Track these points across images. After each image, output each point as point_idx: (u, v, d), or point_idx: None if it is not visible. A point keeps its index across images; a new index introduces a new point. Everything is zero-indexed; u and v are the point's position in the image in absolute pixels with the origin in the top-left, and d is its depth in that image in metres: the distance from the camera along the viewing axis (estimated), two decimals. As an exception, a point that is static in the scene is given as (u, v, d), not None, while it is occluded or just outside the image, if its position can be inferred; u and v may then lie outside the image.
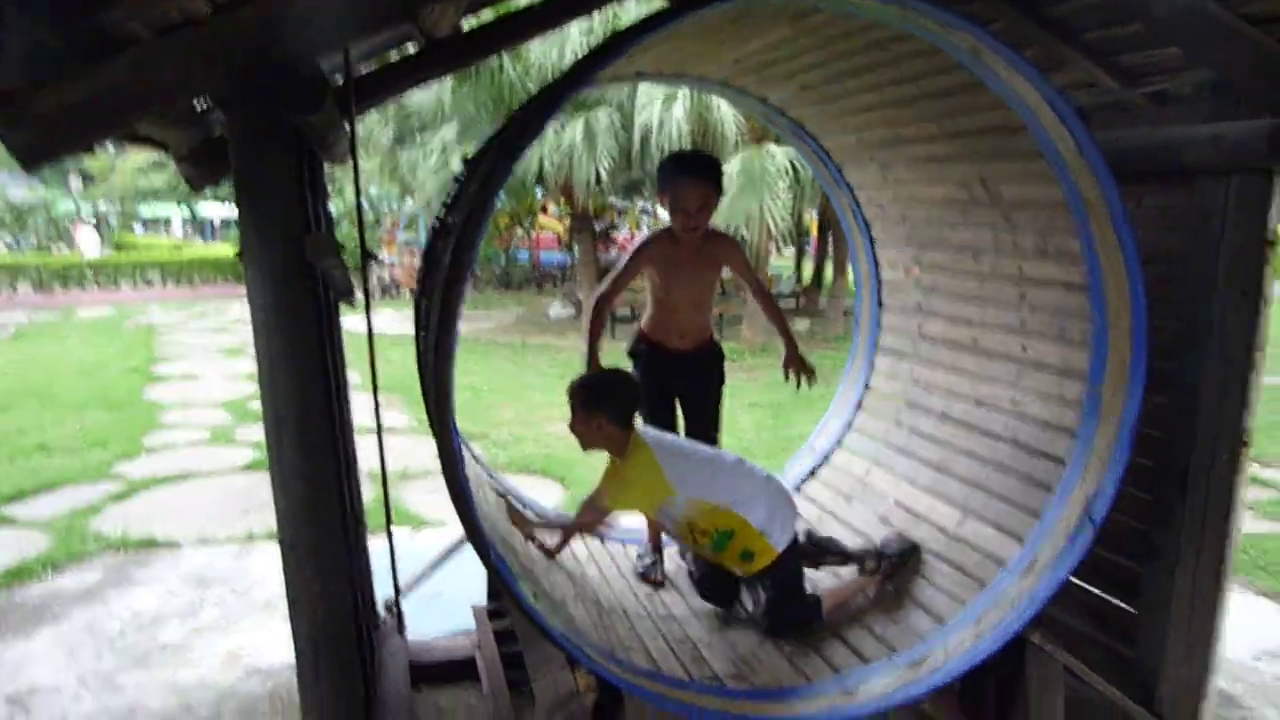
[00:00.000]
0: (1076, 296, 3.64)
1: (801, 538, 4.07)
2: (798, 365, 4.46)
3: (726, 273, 4.82)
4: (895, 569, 4.08)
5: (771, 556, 3.81)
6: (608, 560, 4.57)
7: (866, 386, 5.20)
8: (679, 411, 4.54)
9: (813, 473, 5.15)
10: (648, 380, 4.40)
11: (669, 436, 4.04)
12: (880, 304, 5.16)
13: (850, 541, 4.38)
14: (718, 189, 4.19)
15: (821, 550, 4.25)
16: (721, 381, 4.65)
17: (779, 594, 3.89)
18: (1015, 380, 4.08)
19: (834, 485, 4.97)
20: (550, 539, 4.11)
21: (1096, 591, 4.05)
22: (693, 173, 4.16)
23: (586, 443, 3.80)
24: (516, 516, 4.08)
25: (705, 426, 4.50)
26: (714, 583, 4.11)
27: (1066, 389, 3.76)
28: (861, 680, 3.50)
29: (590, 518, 3.90)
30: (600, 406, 3.71)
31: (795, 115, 4.78)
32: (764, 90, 4.62)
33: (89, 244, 32.34)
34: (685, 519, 3.80)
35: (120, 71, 2.35)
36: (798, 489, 5.07)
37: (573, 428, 3.78)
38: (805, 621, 3.91)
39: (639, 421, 3.91)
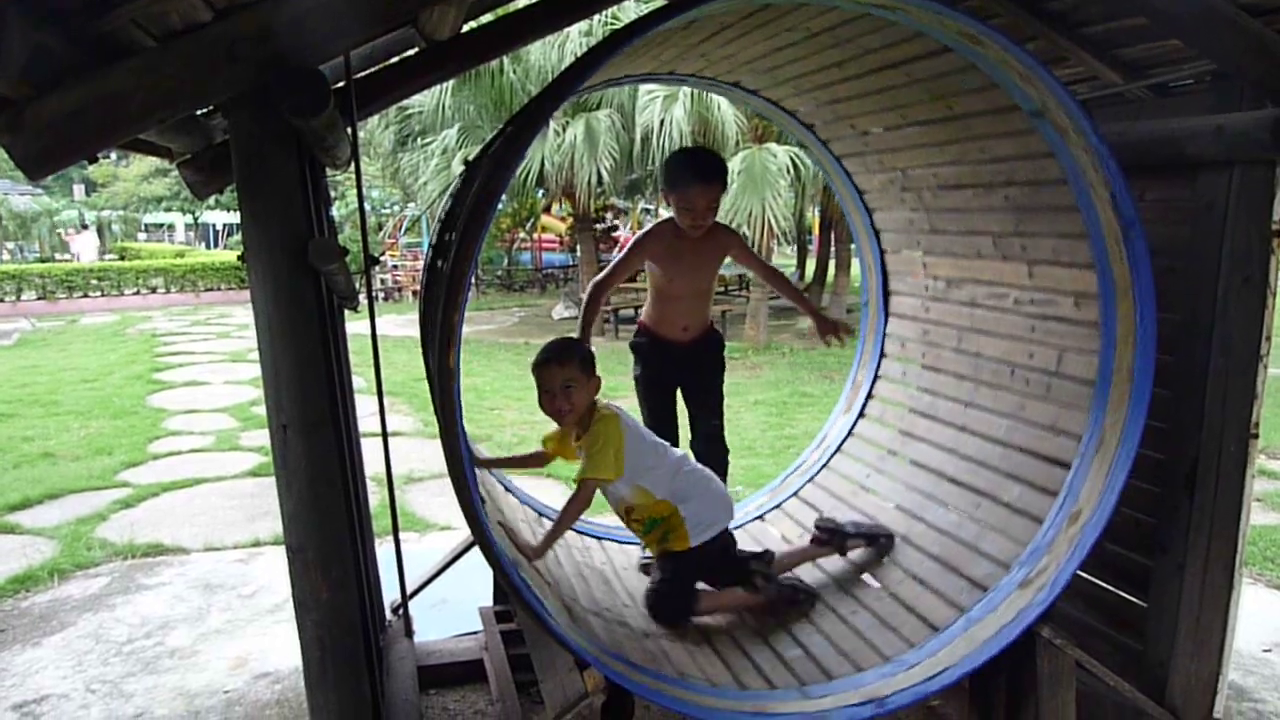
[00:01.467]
0: (1087, 305, 3.64)
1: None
2: (831, 329, 4.60)
3: (727, 269, 4.87)
4: (846, 545, 4.25)
5: (683, 546, 3.90)
6: (612, 560, 4.56)
7: (870, 390, 5.19)
8: (679, 403, 4.58)
9: (817, 473, 5.14)
10: (650, 373, 4.47)
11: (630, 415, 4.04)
12: (886, 310, 5.15)
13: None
14: (725, 188, 4.27)
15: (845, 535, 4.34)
16: (722, 369, 4.72)
17: (669, 580, 3.98)
18: (1022, 385, 4.06)
19: (835, 487, 4.96)
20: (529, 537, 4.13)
21: (1106, 586, 4.04)
22: (704, 178, 4.21)
23: (569, 412, 3.74)
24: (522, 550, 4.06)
25: (709, 415, 4.58)
26: (668, 603, 4.03)
27: (1074, 394, 3.75)
28: (875, 679, 3.49)
29: (581, 507, 3.82)
30: (573, 357, 3.73)
31: (805, 117, 4.78)
32: (772, 91, 4.62)
33: (86, 249, 32.36)
34: (625, 504, 3.90)
35: (122, 78, 2.35)
36: (804, 486, 5.07)
37: (570, 397, 3.70)
38: (675, 614, 3.95)
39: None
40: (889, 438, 4.88)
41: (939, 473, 4.40)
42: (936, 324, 4.69)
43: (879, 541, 4.28)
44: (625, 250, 4.52)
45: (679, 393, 4.66)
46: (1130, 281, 3.30)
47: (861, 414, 5.18)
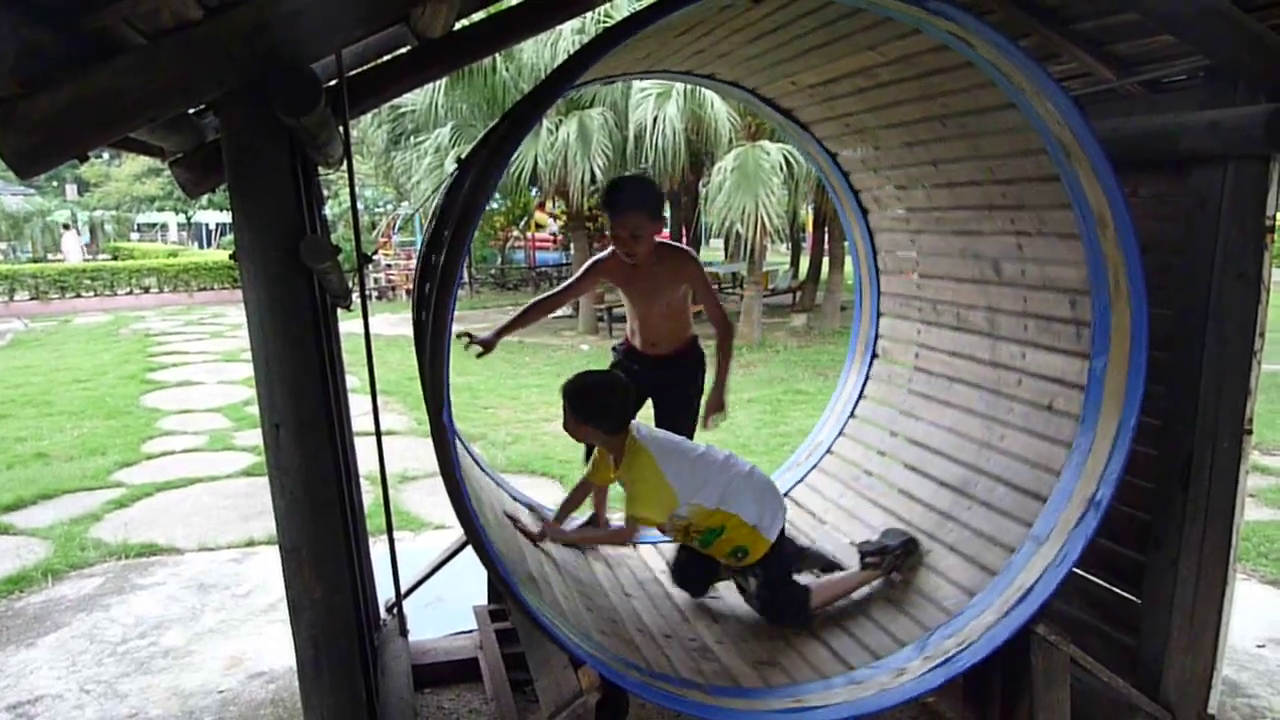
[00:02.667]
0: (1080, 301, 3.64)
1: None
2: (714, 408, 4.60)
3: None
4: (898, 563, 4.07)
5: (765, 548, 3.86)
6: (606, 557, 4.56)
7: (862, 390, 5.19)
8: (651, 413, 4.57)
9: (811, 469, 5.14)
10: (626, 372, 4.45)
11: (661, 433, 4.05)
12: (879, 308, 5.16)
13: (845, 539, 4.40)
14: (651, 217, 4.19)
15: (804, 558, 4.29)
16: (698, 391, 4.67)
17: (770, 581, 3.95)
18: (1014, 387, 4.07)
19: (833, 482, 4.96)
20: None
21: (1100, 582, 4.05)
22: (613, 208, 4.20)
23: (580, 440, 3.96)
24: (525, 532, 4.08)
25: (677, 431, 4.42)
26: (690, 571, 4.20)
27: (1063, 397, 3.76)
28: (871, 675, 3.50)
29: (618, 540, 4.07)
30: (591, 416, 3.81)
31: (802, 116, 4.78)
32: (767, 88, 4.61)
33: (72, 250, 32.29)
34: (685, 523, 3.86)
35: (113, 76, 2.33)
36: (795, 487, 5.07)
37: (565, 427, 3.91)
38: (798, 608, 3.94)
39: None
40: (879, 438, 4.88)
41: (928, 474, 4.41)
42: (929, 324, 4.70)
43: (915, 547, 4.14)
44: (577, 274, 4.53)
45: (650, 404, 4.65)
46: (1121, 261, 3.29)
47: (852, 414, 5.19)
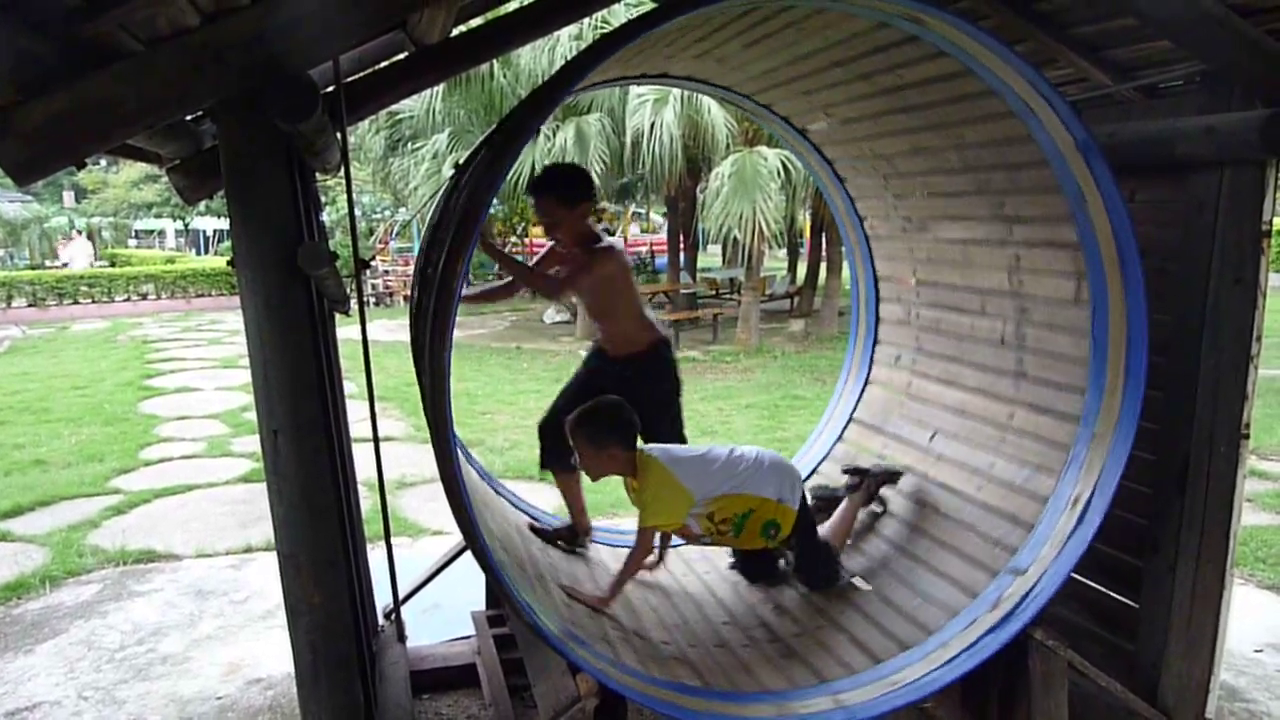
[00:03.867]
0: (1079, 311, 3.65)
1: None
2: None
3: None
4: (878, 487, 4.40)
5: (793, 517, 3.97)
6: (606, 563, 4.56)
7: (862, 391, 5.20)
8: None
9: (810, 474, 5.14)
10: (584, 378, 4.49)
11: (669, 446, 4.10)
12: (877, 314, 5.16)
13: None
14: (561, 201, 4.14)
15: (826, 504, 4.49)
16: (669, 392, 4.54)
17: (805, 549, 4.14)
18: (1012, 392, 4.08)
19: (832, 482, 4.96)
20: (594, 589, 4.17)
21: (1098, 587, 4.05)
22: (530, 191, 4.28)
23: (597, 473, 3.93)
24: (573, 593, 4.06)
25: (658, 438, 4.29)
26: (752, 561, 4.35)
27: (1061, 402, 3.77)
28: (870, 680, 3.50)
29: (643, 554, 4.00)
30: (608, 438, 3.83)
31: (799, 123, 4.79)
32: (765, 96, 4.62)
33: (79, 256, 32.25)
34: (706, 515, 3.91)
35: (109, 83, 2.34)
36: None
37: (582, 464, 3.92)
38: (831, 565, 4.16)
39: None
40: (879, 442, 4.88)
41: (927, 477, 4.41)
42: (926, 329, 4.70)
43: (896, 475, 4.45)
44: (539, 255, 4.60)
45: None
46: (1119, 262, 3.31)
47: (851, 418, 5.19)
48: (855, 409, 5.19)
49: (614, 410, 3.89)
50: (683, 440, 4.49)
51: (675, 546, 4.58)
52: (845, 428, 5.18)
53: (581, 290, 4.41)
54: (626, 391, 4.14)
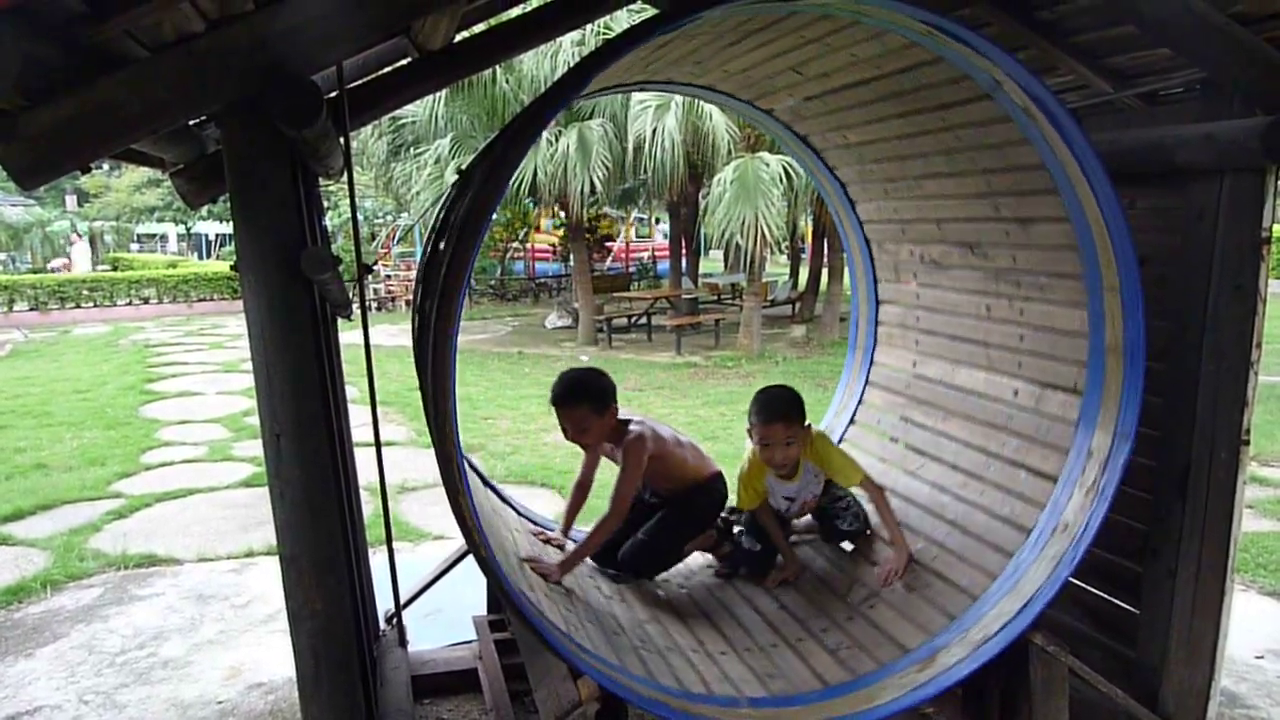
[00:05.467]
0: (1078, 315, 3.66)
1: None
2: None
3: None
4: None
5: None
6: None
7: (862, 394, 5.20)
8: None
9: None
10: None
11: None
12: (877, 318, 5.17)
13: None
14: (596, 410, 4.10)
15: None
16: (695, 521, 4.61)
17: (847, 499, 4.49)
18: (1011, 397, 4.09)
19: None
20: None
21: (1099, 593, 4.05)
22: (560, 404, 4.13)
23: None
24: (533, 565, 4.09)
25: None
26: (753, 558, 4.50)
27: (1062, 404, 3.77)
28: (871, 684, 3.50)
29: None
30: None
31: (800, 129, 4.80)
32: (765, 101, 4.63)
33: (81, 259, 32.28)
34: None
35: (115, 89, 2.35)
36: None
37: (787, 443, 4.18)
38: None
39: None
40: (879, 445, 4.89)
41: (928, 481, 4.42)
42: (928, 332, 4.71)
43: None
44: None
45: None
46: (1121, 341, 3.33)
47: (852, 420, 5.20)
48: (855, 413, 5.20)
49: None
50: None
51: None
52: (845, 432, 5.18)
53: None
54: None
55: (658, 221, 39.98)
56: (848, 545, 4.52)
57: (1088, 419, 3.58)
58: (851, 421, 5.19)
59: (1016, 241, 3.92)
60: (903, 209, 4.62)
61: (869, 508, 4.45)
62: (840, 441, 5.15)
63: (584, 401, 4.08)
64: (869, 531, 4.45)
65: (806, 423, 4.26)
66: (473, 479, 4.23)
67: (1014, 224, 3.89)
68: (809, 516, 4.63)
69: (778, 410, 4.18)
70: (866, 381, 5.19)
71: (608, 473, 4.36)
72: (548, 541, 4.44)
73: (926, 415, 4.63)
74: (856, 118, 4.31)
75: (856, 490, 4.44)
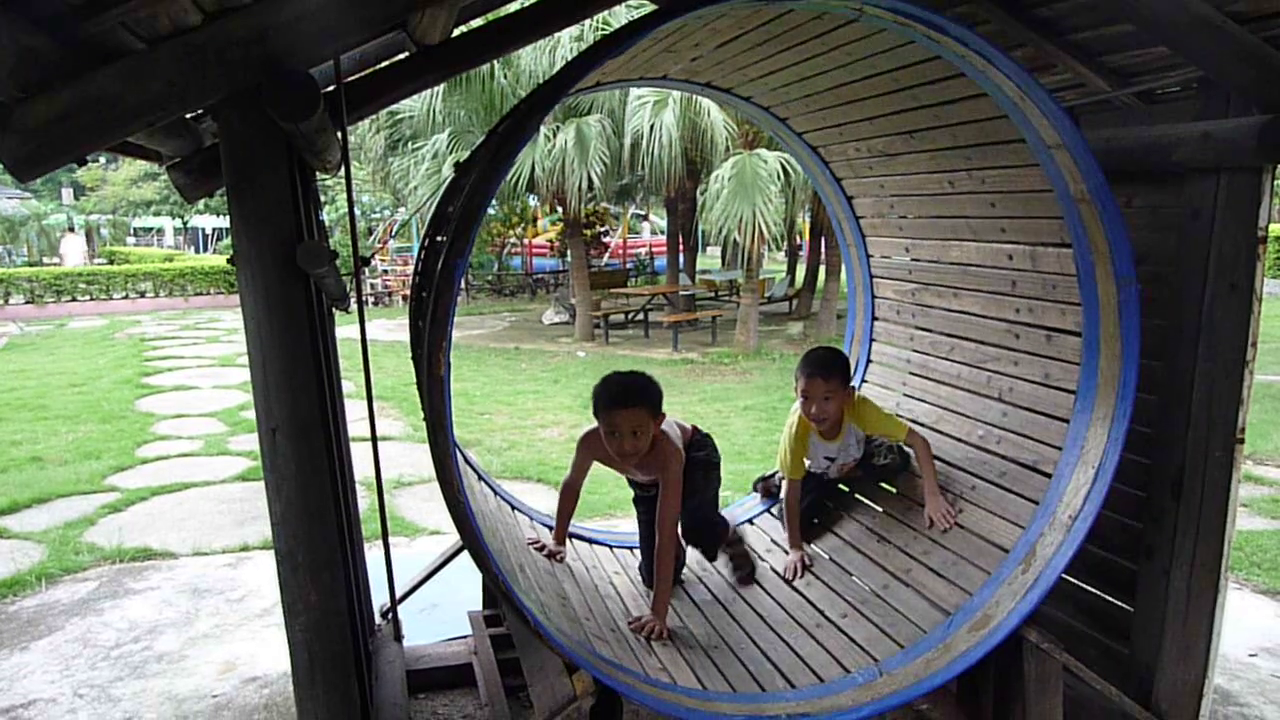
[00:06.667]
0: (1073, 313, 3.66)
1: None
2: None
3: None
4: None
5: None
6: (602, 565, 4.57)
7: (869, 353, 5.22)
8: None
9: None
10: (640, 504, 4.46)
11: None
12: (873, 314, 5.18)
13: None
14: (653, 413, 4.01)
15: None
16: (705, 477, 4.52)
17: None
18: (1005, 393, 4.10)
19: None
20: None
21: (1092, 590, 4.06)
22: (620, 405, 4.00)
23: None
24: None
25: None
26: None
27: (1056, 401, 3.78)
28: (864, 681, 3.50)
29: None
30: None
31: (797, 125, 4.80)
32: (763, 97, 4.63)
33: (73, 253, 32.24)
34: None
35: (110, 81, 2.35)
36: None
37: (825, 398, 4.30)
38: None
39: None
40: (891, 403, 4.89)
41: (944, 433, 4.44)
42: (922, 285, 4.71)
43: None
44: (576, 453, 4.36)
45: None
46: (1087, 192, 3.32)
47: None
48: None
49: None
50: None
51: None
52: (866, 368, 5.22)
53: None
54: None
55: (644, 218, 40.01)
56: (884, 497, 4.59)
57: (1082, 416, 3.59)
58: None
59: (1013, 238, 3.93)
60: (899, 204, 4.63)
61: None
62: (862, 383, 5.19)
63: (645, 404, 3.98)
64: (908, 466, 4.50)
65: (850, 385, 4.44)
66: (469, 474, 4.24)
67: (1009, 220, 3.89)
68: None
69: (819, 365, 4.33)
70: (863, 379, 5.20)
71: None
72: (545, 550, 4.42)
73: (923, 411, 4.65)
74: (853, 113, 4.32)
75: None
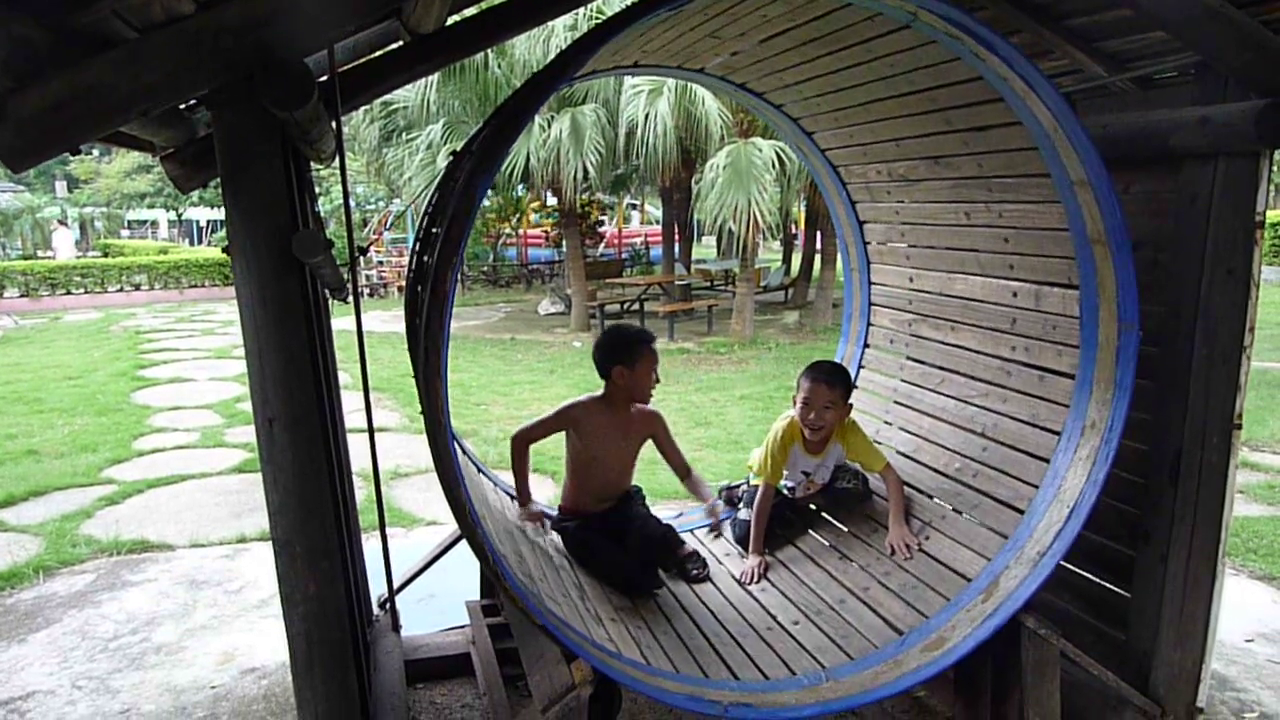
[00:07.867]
0: (1070, 300, 3.66)
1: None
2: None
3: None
4: None
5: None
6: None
7: (855, 376, 5.20)
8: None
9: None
10: (587, 543, 4.33)
11: None
12: (870, 303, 5.17)
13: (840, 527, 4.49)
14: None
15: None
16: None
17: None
18: (1004, 378, 4.10)
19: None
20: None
21: (1090, 576, 4.06)
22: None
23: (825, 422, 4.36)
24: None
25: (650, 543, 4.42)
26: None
27: (1054, 385, 3.78)
28: (865, 667, 3.51)
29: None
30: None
31: (793, 112, 4.79)
32: (758, 84, 4.62)
33: (64, 246, 32.16)
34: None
35: (103, 71, 2.33)
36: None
37: (825, 406, 4.36)
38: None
39: None
40: (873, 427, 4.90)
41: (922, 463, 4.43)
42: (920, 317, 4.71)
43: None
44: (551, 412, 4.46)
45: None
46: (1104, 232, 3.32)
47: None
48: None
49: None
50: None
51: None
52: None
53: (632, 444, 4.60)
54: (623, 530, 4.38)
55: (635, 208, 39.96)
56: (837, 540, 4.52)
57: (1080, 402, 3.59)
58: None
59: (1010, 224, 3.92)
60: (895, 190, 4.62)
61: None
62: (858, 373, 5.19)
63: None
64: (869, 494, 4.57)
65: (850, 403, 4.48)
66: (466, 464, 4.23)
67: (1008, 205, 3.88)
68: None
69: (826, 374, 4.38)
70: (860, 366, 5.19)
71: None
72: (531, 518, 4.46)
73: (921, 397, 4.65)
74: (848, 99, 4.31)
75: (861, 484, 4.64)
